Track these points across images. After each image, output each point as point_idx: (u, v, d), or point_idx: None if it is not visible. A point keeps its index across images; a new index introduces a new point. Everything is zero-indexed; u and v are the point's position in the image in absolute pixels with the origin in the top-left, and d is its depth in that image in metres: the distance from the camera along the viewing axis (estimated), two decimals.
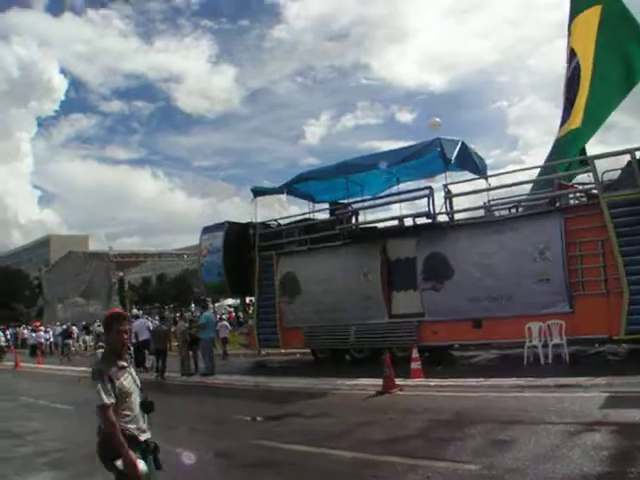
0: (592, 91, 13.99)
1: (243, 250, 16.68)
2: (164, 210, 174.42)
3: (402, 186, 17.12)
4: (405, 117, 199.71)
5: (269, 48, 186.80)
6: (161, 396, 11.99)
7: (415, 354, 11.04)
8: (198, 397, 11.67)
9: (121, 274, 38.71)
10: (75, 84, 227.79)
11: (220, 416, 9.35)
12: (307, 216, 17.12)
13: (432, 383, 10.09)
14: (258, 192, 17.14)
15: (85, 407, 11.24)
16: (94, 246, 60.29)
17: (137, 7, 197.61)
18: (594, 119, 14.10)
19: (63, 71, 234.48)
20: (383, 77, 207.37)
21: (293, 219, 17.42)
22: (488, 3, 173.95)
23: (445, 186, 13.97)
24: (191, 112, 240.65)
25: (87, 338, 29.52)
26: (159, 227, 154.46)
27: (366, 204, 15.98)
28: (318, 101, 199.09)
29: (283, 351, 18.91)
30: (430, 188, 14.07)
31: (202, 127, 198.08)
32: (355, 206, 15.71)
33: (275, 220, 17.63)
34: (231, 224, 16.88)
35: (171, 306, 45.16)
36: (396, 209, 15.91)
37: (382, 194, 16.74)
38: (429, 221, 14.06)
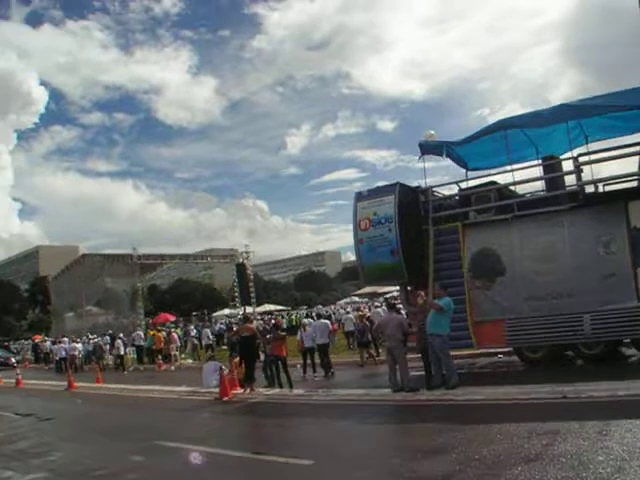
0: None
1: (414, 221, 11.85)
2: (147, 222, 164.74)
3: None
4: (386, 125, 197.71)
5: (249, 58, 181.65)
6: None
7: None
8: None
9: (139, 282, 32.36)
10: (55, 96, 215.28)
11: None
12: (491, 178, 12.45)
13: None
14: (427, 148, 12.36)
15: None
16: None
17: (116, 18, 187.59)
18: None
19: (43, 83, 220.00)
20: (364, 86, 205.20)
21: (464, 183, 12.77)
22: (468, 12, 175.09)
23: None
24: (172, 123, 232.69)
25: (129, 350, 23.15)
26: (142, 240, 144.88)
27: (598, 156, 11.34)
28: (299, 111, 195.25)
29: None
30: None
31: (183, 138, 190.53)
32: (582, 159, 11.08)
33: (456, 183, 12.86)
34: (402, 186, 11.94)
35: (195, 314, 39.56)
36: None
37: None
38: None
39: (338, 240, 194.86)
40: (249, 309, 33.22)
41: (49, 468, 6.99)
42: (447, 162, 13.54)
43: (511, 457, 5.47)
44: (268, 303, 51.53)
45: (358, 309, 23.61)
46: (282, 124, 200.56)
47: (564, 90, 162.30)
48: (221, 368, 11.58)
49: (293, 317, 32.39)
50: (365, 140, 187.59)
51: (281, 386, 11.54)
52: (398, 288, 34.59)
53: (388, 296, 41.06)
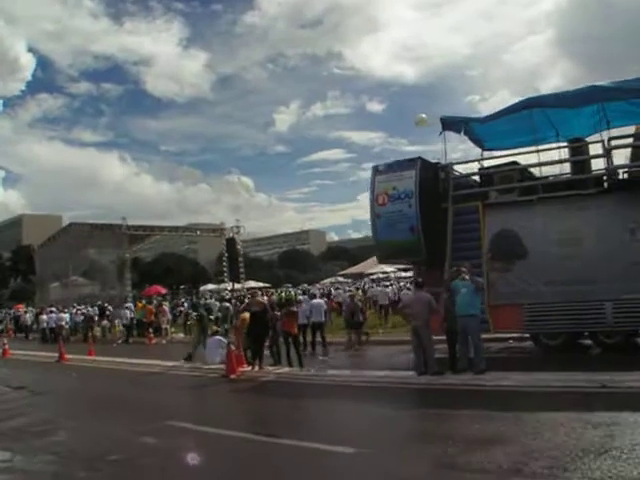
0: None
1: (433, 199, 11.26)
2: (131, 194, 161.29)
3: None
4: (375, 107, 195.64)
5: (241, 34, 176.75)
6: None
7: None
8: None
9: (127, 253, 31.11)
10: (43, 63, 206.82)
11: None
12: (512, 159, 11.86)
13: None
14: (448, 124, 11.70)
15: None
16: None
17: None
18: None
19: (31, 50, 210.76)
20: (355, 67, 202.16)
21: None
22: None
23: None
24: (160, 96, 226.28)
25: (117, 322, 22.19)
26: (126, 211, 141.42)
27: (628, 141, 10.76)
28: (289, 89, 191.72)
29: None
30: None
31: (171, 111, 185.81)
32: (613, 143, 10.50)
33: (477, 161, 12.28)
34: (423, 161, 11.30)
35: (183, 287, 38.75)
36: None
37: None
38: None
39: (322, 220, 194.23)
40: (237, 285, 32.40)
41: (55, 451, 6.25)
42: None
43: (575, 449, 4.97)
44: (252, 280, 50.78)
45: (356, 289, 23.10)
46: (271, 101, 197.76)
47: (555, 80, 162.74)
48: (228, 344, 10.92)
49: (283, 294, 31.73)
50: (353, 121, 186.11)
51: (291, 364, 10.92)
52: (391, 268, 34.14)
53: (374, 277, 40.70)
